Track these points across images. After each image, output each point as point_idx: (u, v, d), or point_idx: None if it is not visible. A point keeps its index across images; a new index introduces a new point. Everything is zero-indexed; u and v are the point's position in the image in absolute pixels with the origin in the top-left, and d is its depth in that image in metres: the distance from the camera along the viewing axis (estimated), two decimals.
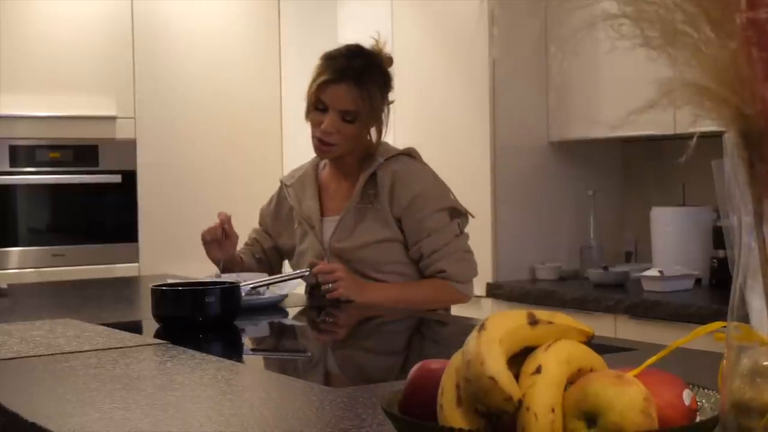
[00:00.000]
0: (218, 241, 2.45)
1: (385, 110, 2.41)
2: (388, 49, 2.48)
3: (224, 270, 2.44)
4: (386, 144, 2.47)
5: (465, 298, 2.42)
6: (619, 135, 3.57)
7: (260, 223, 2.65)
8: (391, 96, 2.44)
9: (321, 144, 2.37)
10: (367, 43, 2.44)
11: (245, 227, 2.65)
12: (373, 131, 2.41)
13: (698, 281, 3.31)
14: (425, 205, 2.35)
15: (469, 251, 2.42)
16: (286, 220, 2.57)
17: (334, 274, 2.28)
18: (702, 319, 2.81)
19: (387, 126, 2.44)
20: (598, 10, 0.73)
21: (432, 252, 2.35)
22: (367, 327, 2.24)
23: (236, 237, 2.50)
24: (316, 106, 2.36)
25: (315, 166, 2.56)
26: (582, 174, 3.82)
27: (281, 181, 2.63)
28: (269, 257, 2.61)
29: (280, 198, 2.61)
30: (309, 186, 2.52)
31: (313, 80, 2.37)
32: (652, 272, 3.25)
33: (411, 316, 2.26)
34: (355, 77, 2.33)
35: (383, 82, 2.40)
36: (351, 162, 2.45)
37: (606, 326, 3.11)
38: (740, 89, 0.73)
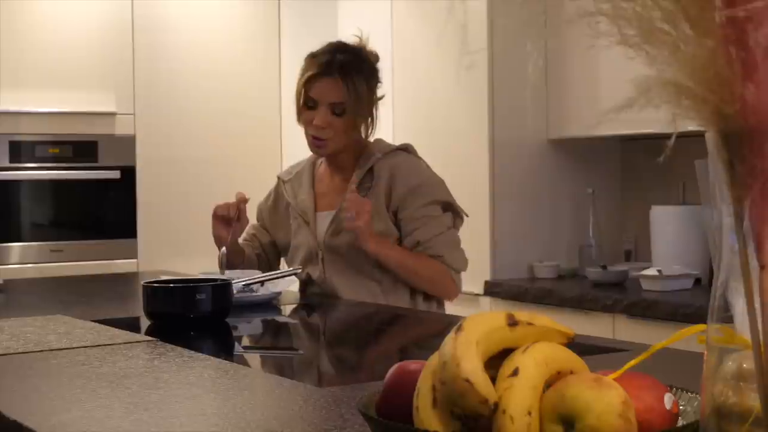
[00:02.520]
0: (229, 219, 2.42)
1: (375, 104, 2.42)
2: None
3: (228, 264, 2.42)
4: (382, 141, 2.48)
5: (456, 291, 2.42)
6: (619, 133, 3.56)
7: (258, 219, 2.65)
8: (380, 92, 2.46)
9: (315, 140, 2.38)
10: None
11: None
12: (363, 127, 2.42)
13: (698, 281, 3.29)
14: (422, 196, 2.36)
15: (460, 243, 2.43)
16: (283, 215, 2.57)
17: (363, 207, 2.25)
18: (700, 319, 2.76)
19: (377, 120, 2.44)
20: (573, 8, 0.72)
21: (428, 239, 2.35)
22: (359, 325, 2.23)
23: (247, 221, 2.48)
24: (306, 104, 2.38)
25: (312, 162, 2.57)
26: (581, 172, 3.81)
27: (279, 177, 2.64)
28: (267, 253, 2.61)
29: (277, 194, 2.61)
30: (305, 181, 2.53)
31: (300, 78, 2.40)
32: (651, 271, 3.24)
33: (405, 315, 2.25)
34: (341, 70, 2.35)
35: (369, 75, 2.41)
36: (347, 158, 2.45)
37: (604, 325, 3.10)
38: (719, 88, 0.71)
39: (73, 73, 4.28)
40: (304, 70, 2.40)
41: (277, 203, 2.60)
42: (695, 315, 2.85)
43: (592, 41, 0.74)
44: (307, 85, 2.37)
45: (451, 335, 0.83)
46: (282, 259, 2.64)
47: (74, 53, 4.28)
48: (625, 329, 3.04)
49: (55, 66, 4.25)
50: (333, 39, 4.09)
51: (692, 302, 2.95)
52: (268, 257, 2.61)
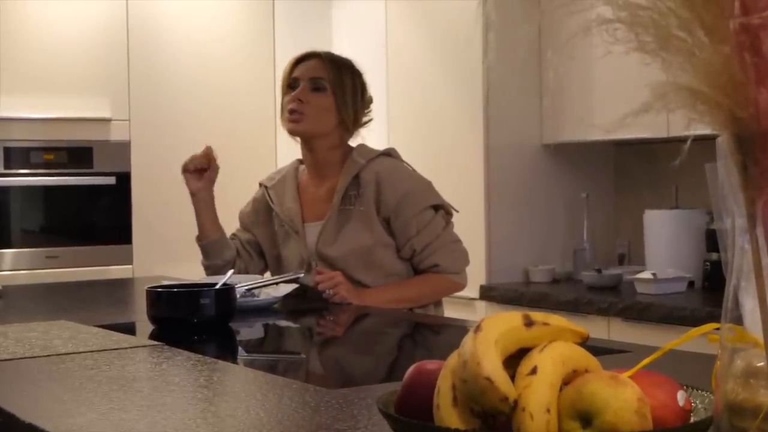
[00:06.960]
0: (200, 171, 2.51)
1: (358, 102, 2.47)
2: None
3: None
4: (365, 146, 2.52)
5: (460, 286, 2.47)
6: (613, 138, 3.59)
7: (240, 221, 2.66)
8: (370, 102, 2.52)
9: (291, 114, 2.45)
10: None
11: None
12: (345, 129, 2.46)
13: (691, 284, 3.32)
14: (413, 204, 2.39)
15: (458, 240, 2.45)
16: (263, 219, 2.58)
17: (334, 279, 2.33)
18: (695, 322, 2.82)
19: (361, 124, 2.49)
20: (593, 15, 0.74)
21: (424, 247, 2.39)
22: (361, 328, 2.25)
23: (217, 169, 2.54)
24: (290, 86, 2.47)
25: (295, 168, 2.59)
26: (575, 176, 3.84)
27: (261, 183, 2.65)
28: (248, 251, 2.60)
29: (258, 200, 2.62)
30: (289, 188, 2.54)
31: (286, 69, 2.52)
32: (645, 275, 3.27)
33: (405, 318, 2.27)
34: (325, 54, 2.50)
35: (355, 72, 2.50)
36: (330, 164, 2.47)
37: (599, 328, 3.12)
38: (733, 93, 0.73)
39: (68, 78, 4.28)
40: (290, 62, 2.53)
41: (257, 208, 2.60)
42: (689, 317, 2.87)
43: (609, 47, 0.76)
44: (292, 68, 2.49)
45: (470, 335, 0.85)
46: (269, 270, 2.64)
47: (69, 58, 4.28)
48: (620, 332, 3.06)
49: (49, 71, 4.25)
50: (327, 42, 4.11)
51: (686, 305, 2.97)
52: (251, 255, 2.60)
